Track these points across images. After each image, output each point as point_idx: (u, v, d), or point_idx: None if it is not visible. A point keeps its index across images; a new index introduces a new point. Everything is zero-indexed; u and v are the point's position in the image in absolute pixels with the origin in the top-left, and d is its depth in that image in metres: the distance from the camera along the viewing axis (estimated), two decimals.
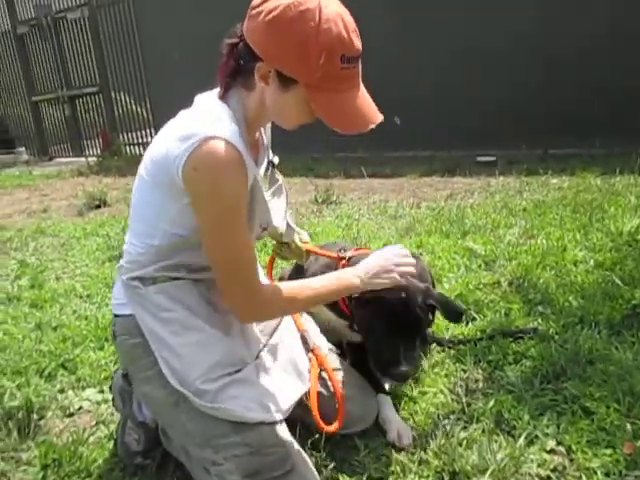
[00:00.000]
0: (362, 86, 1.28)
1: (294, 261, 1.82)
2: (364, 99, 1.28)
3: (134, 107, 9.57)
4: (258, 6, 1.20)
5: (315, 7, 1.16)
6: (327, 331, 1.72)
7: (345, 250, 1.69)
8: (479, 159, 5.42)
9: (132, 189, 1.38)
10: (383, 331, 1.47)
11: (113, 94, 9.73)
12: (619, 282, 2.15)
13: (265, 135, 1.49)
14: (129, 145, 9.57)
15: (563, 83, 5.28)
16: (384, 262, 1.47)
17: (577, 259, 2.48)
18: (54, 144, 10.93)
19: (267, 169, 1.47)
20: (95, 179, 7.08)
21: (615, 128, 4.80)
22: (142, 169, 1.33)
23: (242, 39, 1.25)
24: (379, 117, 1.28)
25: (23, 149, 10.80)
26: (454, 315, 1.53)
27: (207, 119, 1.23)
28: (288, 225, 1.60)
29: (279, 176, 1.51)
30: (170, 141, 1.22)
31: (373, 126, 1.27)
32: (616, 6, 4.96)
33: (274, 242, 1.72)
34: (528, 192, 3.96)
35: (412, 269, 1.49)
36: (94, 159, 9.09)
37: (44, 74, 10.60)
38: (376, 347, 1.52)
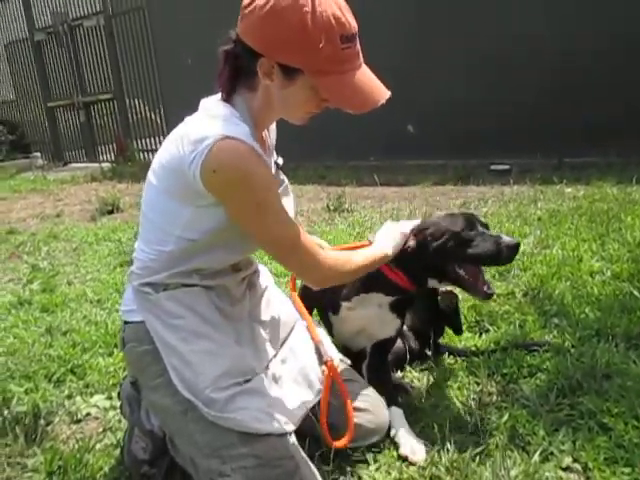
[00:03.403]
0: (364, 65, 1.27)
1: None
2: (370, 77, 1.27)
3: (148, 114, 9.64)
4: (248, 5, 1.20)
5: None
6: (357, 335, 1.72)
7: (370, 236, 1.71)
8: (493, 167, 5.38)
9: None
10: (464, 224, 1.55)
11: (127, 101, 9.80)
12: (637, 294, 2.11)
13: (270, 137, 1.48)
14: (143, 151, 9.63)
15: (579, 91, 5.22)
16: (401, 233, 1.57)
17: (593, 270, 2.44)
18: (69, 149, 11.03)
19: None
20: (109, 184, 7.12)
21: (632, 136, 4.72)
22: (151, 176, 1.33)
23: (237, 43, 1.25)
24: (387, 93, 1.28)
25: (38, 154, 10.92)
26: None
27: (216, 121, 1.22)
28: None
29: (284, 177, 1.50)
30: (182, 146, 1.22)
31: (383, 102, 1.26)
32: (633, 9, 4.90)
33: None
34: (543, 201, 3.92)
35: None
36: (108, 165, 9.16)
37: (60, 80, 10.72)
38: (468, 242, 1.53)
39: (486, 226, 1.59)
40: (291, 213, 1.46)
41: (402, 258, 1.59)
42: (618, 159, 4.69)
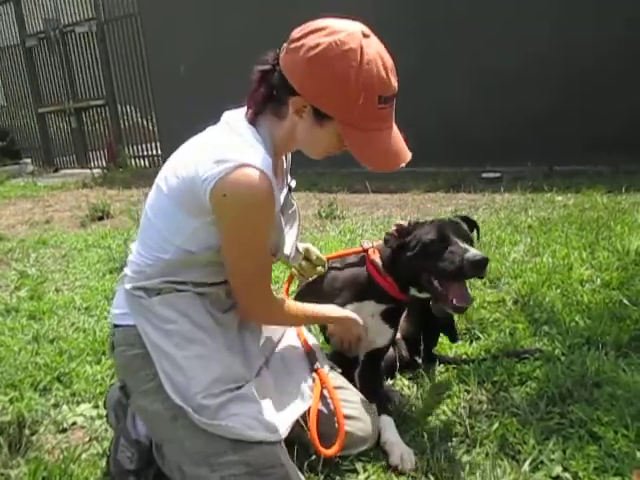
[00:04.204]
0: (394, 125, 1.28)
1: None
2: (396, 138, 1.28)
3: (140, 120, 9.62)
4: (297, 40, 1.21)
5: (357, 47, 1.17)
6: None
7: (363, 242, 1.73)
8: (484, 175, 5.41)
9: (141, 201, 1.37)
10: (435, 236, 1.51)
11: (119, 107, 9.78)
12: (627, 302, 2.11)
13: (286, 160, 1.48)
14: (134, 158, 9.60)
15: (569, 101, 5.28)
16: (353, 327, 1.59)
17: (583, 278, 2.44)
18: (60, 155, 10.97)
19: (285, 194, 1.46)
20: (99, 191, 7.08)
21: (621, 146, 4.77)
22: (162, 182, 1.32)
23: (275, 68, 1.25)
24: (408, 157, 1.29)
25: (29, 160, 10.81)
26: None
27: (241, 144, 1.23)
28: (296, 249, 1.59)
29: (294, 201, 1.51)
30: (201, 161, 1.21)
31: (403, 165, 1.27)
32: (629, 27, 4.98)
33: None
34: (533, 209, 3.93)
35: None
36: (99, 171, 9.12)
37: (51, 86, 10.67)
38: (437, 255, 1.49)
39: (466, 236, 1.54)
40: (291, 241, 1.47)
41: (389, 262, 1.61)
42: (608, 168, 4.73)
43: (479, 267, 1.42)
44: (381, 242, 1.73)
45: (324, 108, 1.21)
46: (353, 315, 1.59)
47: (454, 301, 1.49)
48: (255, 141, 1.26)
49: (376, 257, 1.66)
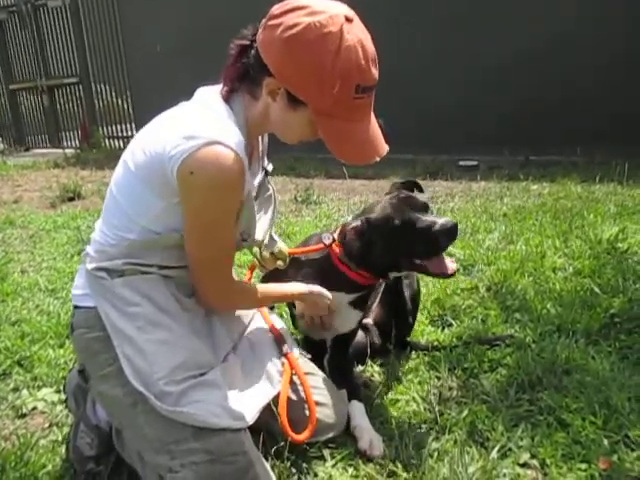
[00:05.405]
0: (372, 115, 1.24)
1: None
2: (372, 130, 1.24)
3: (115, 100, 9.39)
4: (276, 17, 1.15)
5: (337, 31, 1.11)
6: (318, 328, 1.67)
7: (324, 238, 1.65)
8: (461, 163, 5.42)
9: (111, 178, 1.30)
10: (398, 222, 1.47)
11: (94, 85, 9.54)
12: (597, 290, 2.12)
13: (262, 143, 1.42)
14: (108, 138, 9.39)
15: (546, 92, 5.31)
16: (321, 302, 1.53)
17: (556, 266, 2.45)
18: (31, 134, 10.68)
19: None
20: (71, 171, 6.90)
21: (596, 137, 4.82)
22: (129, 158, 1.26)
23: (253, 43, 1.20)
24: (384, 149, 1.25)
25: None
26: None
27: (213, 120, 1.18)
28: (271, 237, 1.54)
29: (270, 185, 1.46)
30: (170, 137, 1.16)
31: (377, 159, 1.23)
32: (606, 25, 5.00)
33: (255, 250, 1.66)
34: (509, 197, 3.95)
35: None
36: (72, 151, 8.90)
37: (23, 62, 10.34)
38: (408, 238, 1.46)
39: (422, 206, 1.51)
40: (263, 227, 1.43)
41: (360, 260, 1.56)
42: (582, 158, 4.78)
43: (451, 234, 1.43)
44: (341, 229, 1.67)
45: (297, 93, 1.17)
46: (317, 288, 1.53)
47: (443, 269, 1.48)
48: (228, 119, 1.21)
49: (341, 252, 1.59)
